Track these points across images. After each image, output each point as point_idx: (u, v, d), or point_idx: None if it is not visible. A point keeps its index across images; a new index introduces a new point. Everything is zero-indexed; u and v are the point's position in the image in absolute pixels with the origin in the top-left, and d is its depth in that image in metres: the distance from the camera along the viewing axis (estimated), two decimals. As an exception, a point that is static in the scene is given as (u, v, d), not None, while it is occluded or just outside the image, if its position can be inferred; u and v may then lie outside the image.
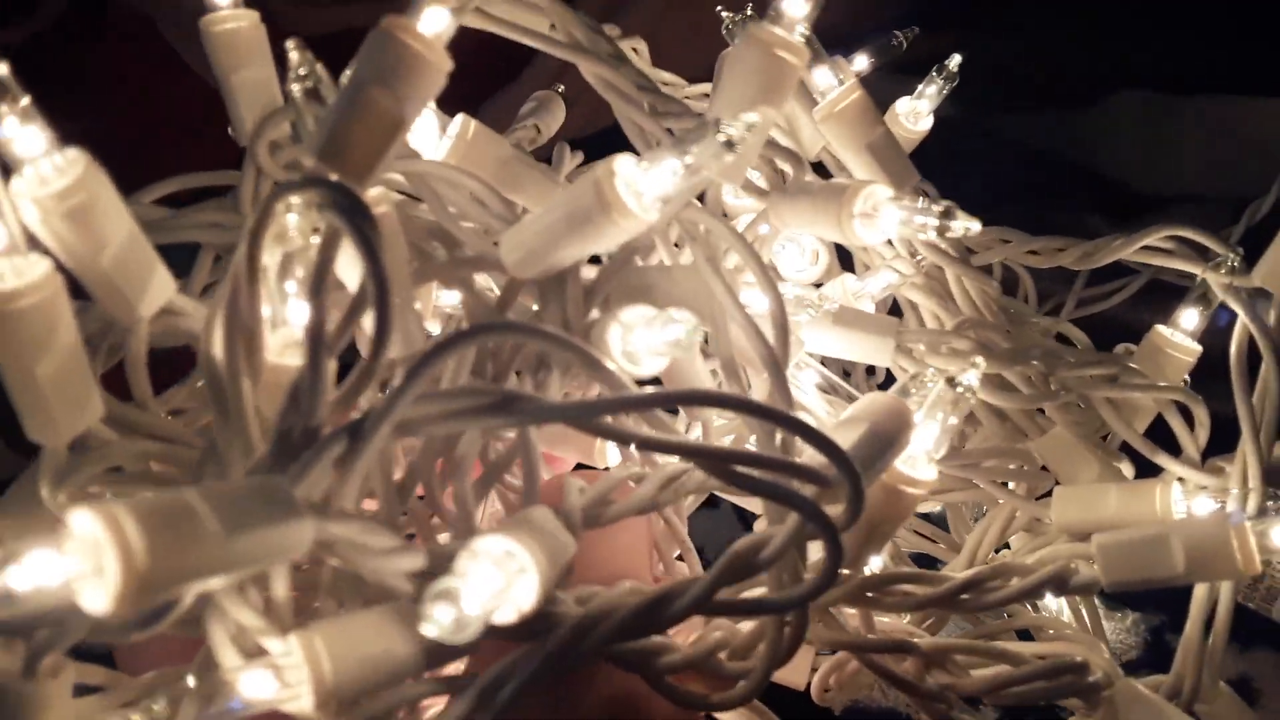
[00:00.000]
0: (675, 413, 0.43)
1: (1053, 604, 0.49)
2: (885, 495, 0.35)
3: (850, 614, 0.41)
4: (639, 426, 0.33)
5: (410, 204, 0.37)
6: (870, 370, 0.54)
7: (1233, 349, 0.44)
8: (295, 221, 0.30)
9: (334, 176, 0.29)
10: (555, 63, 0.75)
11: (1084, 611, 0.47)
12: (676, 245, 0.38)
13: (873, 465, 0.32)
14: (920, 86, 0.49)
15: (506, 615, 0.25)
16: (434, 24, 0.31)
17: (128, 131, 0.82)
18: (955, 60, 0.49)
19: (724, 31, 0.46)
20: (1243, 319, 0.43)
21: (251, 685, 0.26)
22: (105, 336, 0.36)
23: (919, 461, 0.35)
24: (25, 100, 0.29)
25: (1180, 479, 0.42)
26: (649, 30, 0.73)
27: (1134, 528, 0.35)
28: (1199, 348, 0.47)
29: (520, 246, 0.32)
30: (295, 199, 0.30)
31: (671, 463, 0.34)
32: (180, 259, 0.36)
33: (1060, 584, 0.35)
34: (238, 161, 0.39)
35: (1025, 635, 0.44)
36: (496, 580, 0.25)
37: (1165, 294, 0.53)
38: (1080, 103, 0.77)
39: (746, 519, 0.60)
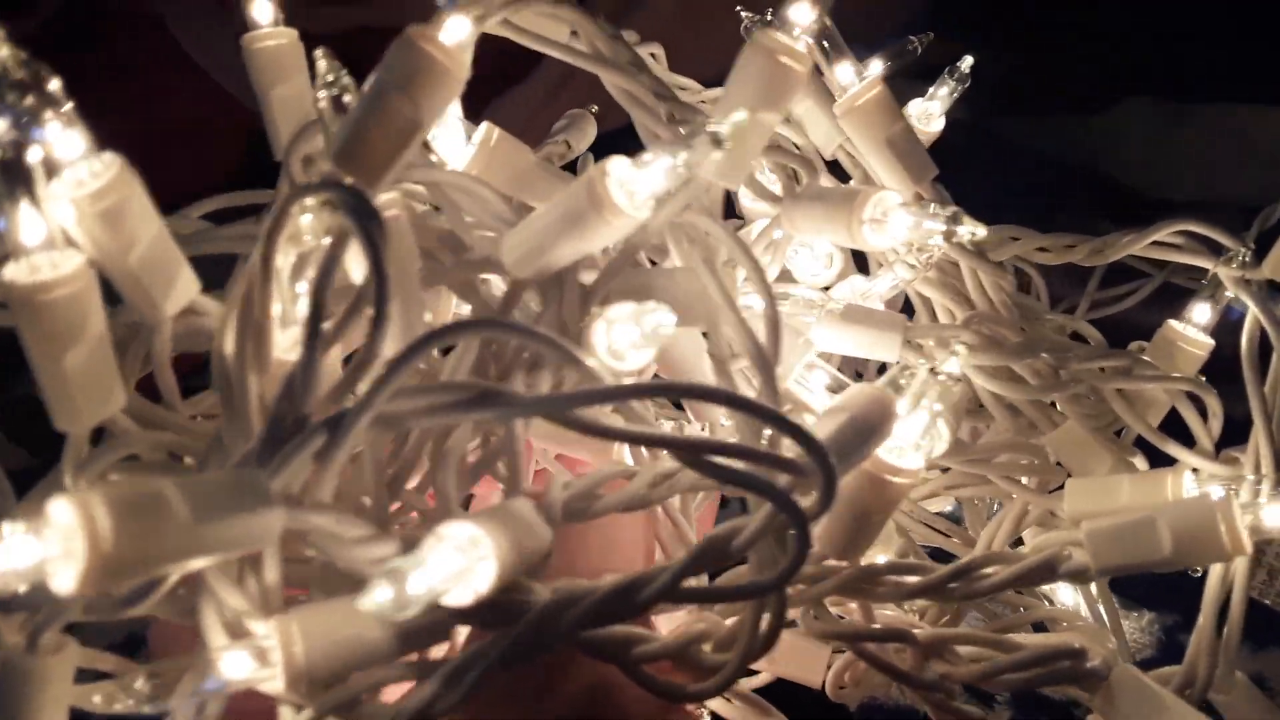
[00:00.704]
0: (680, 408, 0.44)
1: (1069, 599, 0.49)
2: (870, 485, 0.35)
3: (851, 608, 0.41)
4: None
5: (429, 213, 0.38)
6: (882, 369, 0.54)
7: (1244, 340, 0.44)
8: (309, 222, 0.32)
9: (348, 179, 0.31)
10: (564, 64, 0.76)
11: (1102, 609, 0.47)
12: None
13: (851, 455, 0.32)
14: (932, 88, 0.49)
15: (462, 598, 0.26)
16: (455, 33, 0.32)
17: (132, 128, 0.84)
18: (967, 62, 0.49)
19: (743, 32, 0.46)
20: (1254, 311, 0.43)
21: (231, 665, 0.27)
22: (134, 338, 0.37)
23: (905, 451, 0.35)
24: (68, 106, 0.31)
25: (1194, 469, 0.41)
26: (658, 34, 0.76)
27: (1123, 513, 0.35)
28: (1211, 341, 0.47)
29: (518, 246, 0.33)
30: (310, 200, 0.31)
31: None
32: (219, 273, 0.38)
33: (1049, 570, 0.35)
34: (245, 161, 0.40)
35: (1042, 629, 0.44)
36: (455, 563, 0.25)
37: (1178, 296, 0.53)
38: (1089, 109, 0.77)
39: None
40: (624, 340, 0.31)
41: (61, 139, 0.30)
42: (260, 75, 0.42)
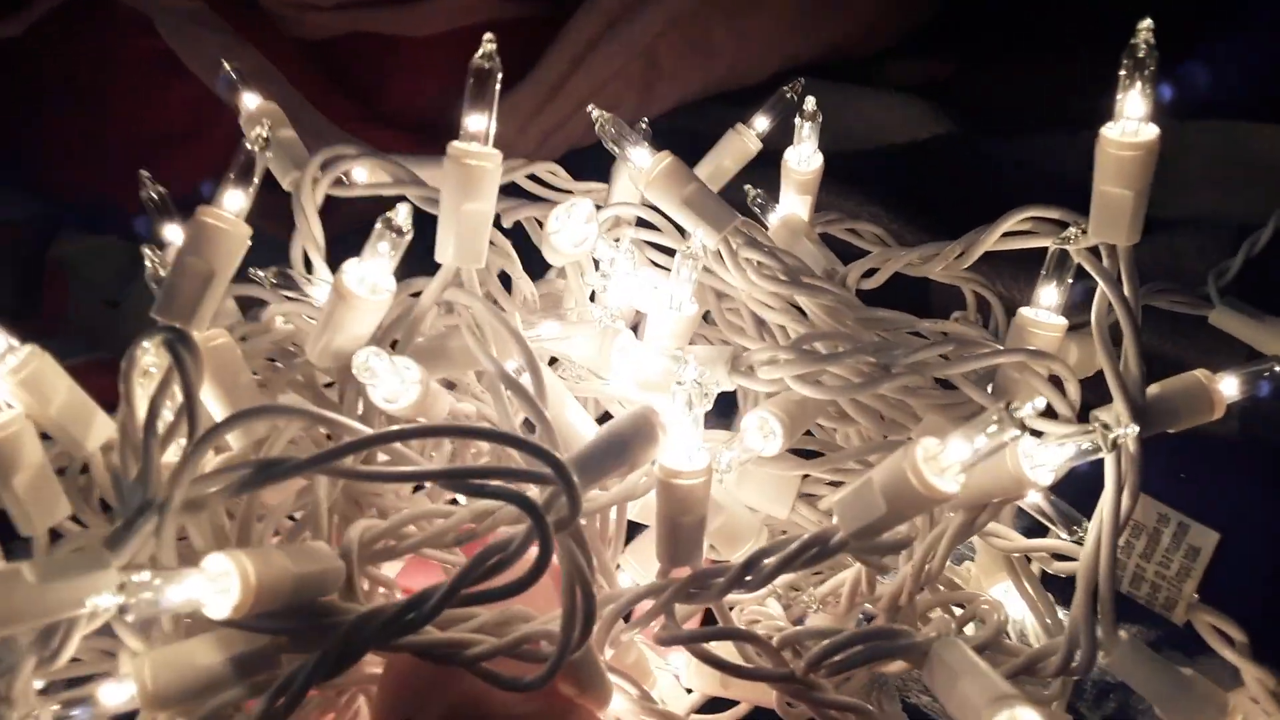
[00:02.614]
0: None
1: (1016, 613, 0.49)
2: (663, 491, 0.39)
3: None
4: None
5: (257, 335, 0.47)
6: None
7: (1094, 305, 0.45)
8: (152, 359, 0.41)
9: (165, 322, 0.40)
10: (557, 71, 0.81)
11: (1043, 610, 0.48)
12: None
13: (603, 462, 0.37)
14: (796, 133, 0.55)
15: (221, 610, 0.33)
16: (233, 205, 0.41)
17: (122, 129, 0.86)
18: (811, 102, 0.54)
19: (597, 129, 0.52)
20: (1095, 276, 0.44)
21: (107, 694, 0.36)
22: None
23: (693, 456, 0.39)
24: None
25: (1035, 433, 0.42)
26: (649, 47, 0.81)
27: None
28: (1064, 321, 0.47)
29: (314, 347, 0.41)
30: (146, 343, 0.41)
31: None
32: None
33: (821, 546, 0.38)
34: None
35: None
36: (202, 585, 0.33)
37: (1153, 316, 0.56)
38: (1082, 125, 0.77)
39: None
40: (388, 388, 0.38)
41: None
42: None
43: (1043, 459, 0.40)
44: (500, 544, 0.36)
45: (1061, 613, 0.47)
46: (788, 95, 0.57)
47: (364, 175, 0.51)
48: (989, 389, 0.47)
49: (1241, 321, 0.56)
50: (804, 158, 0.55)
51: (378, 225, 0.40)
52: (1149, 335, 0.60)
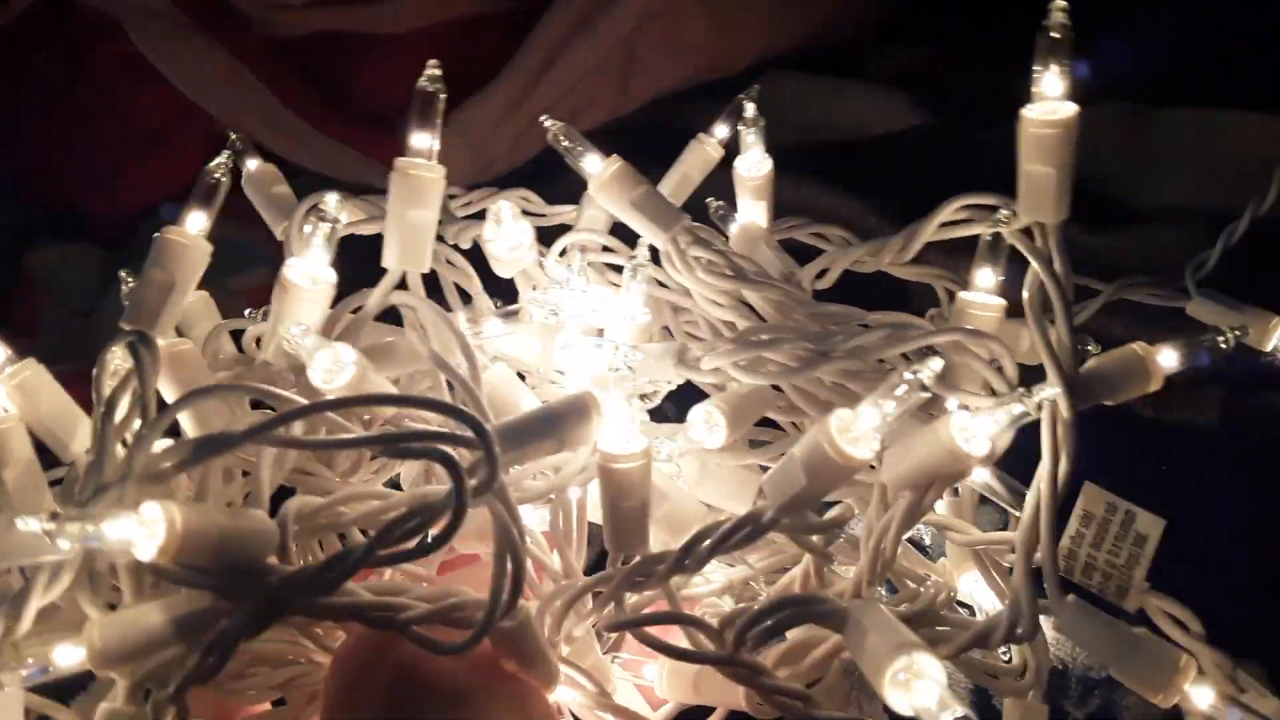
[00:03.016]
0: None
1: (987, 603, 0.49)
2: (602, 475, 0.41)
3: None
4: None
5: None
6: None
7: (1026, 286, 0.45)
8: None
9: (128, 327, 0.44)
10: (527, 74, 0.79)
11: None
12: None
13: (524, 436, 0.39)
14: (742, 141, 0.57)
15: (147, 553, 0.35)
16: (195, 225, 0.46)
17: (95, 134, 0.87)
18: (751, 108, 0.56)
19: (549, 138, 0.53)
20: (1027, 255, 0.45)
21: (61, 655, 0.39)
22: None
23: (630, 439, 0.41)
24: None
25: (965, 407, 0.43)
26: (625, 41, 0.80)
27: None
28: (1002, 301, 0.48)
29: (265, 349, 0.45)
30: (116, 349, 0.44)
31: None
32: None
33: (753, 525, 0.39)
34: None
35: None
36: (131, 527, 0.35)
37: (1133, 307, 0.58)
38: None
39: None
40: (322, 364, 0.41)
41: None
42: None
43: (975, 430, 0.41)
44: (422, 505, 0.38)
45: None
46: (743, 101, 0.58)
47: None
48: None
49: (1219, 312, 0.56)
50: (753, 164, 0.57)
51: (308, 224, 0.44)
52: (1123, 327, 0.61)
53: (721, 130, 0.59)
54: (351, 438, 0.41)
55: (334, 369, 0.41)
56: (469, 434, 0.37)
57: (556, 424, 0.40)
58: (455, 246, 0.53)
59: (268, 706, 0.47)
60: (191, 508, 0.36)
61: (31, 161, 0.91)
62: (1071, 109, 0.43)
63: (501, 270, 0.52)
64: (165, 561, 0.35)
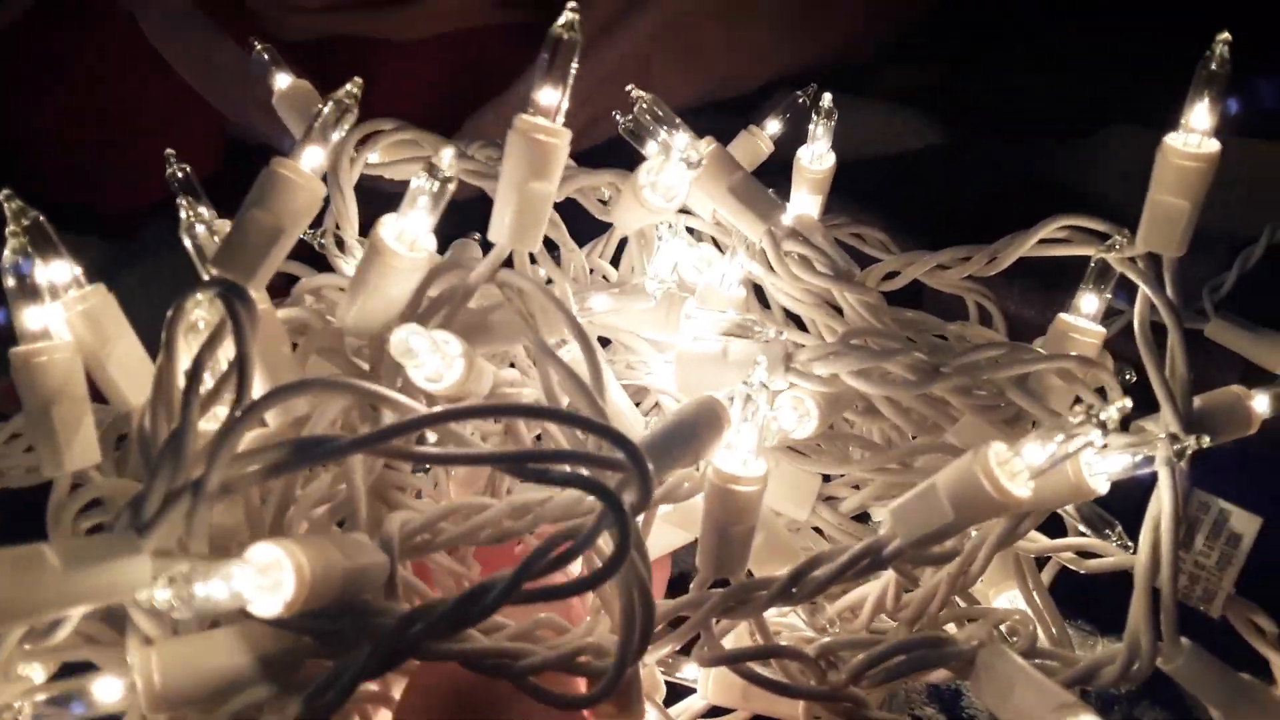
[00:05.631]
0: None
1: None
2: (718, 496, 0.37)
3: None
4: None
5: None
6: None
7: (1135, 316, 0.44)
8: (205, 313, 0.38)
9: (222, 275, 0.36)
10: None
11: (1049, 619, 0.46)
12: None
13: (672, 450, 0.35)
14: (810, 131, 0.53)
15: (271, 608, 0.29)
16: (311, 161, 0.39)
17: (106, 127, 0.85)
18: (827, 98, 0.52)
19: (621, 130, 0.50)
20: (1141, 288, 0.44)
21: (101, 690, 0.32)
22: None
23: (749, 462, 0.37)
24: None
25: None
26: (642, 53, 0.79)
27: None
28: (1102, 329, 0.47)
29: (347, 312, 0.38)
30: (200, 295, 0.36)
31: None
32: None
33: (874, 556, 0.36)
34: (212, 159, 0.45)
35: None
36: (254, 579, 0.28)
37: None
38: (1074, 133, 0.77)
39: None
40: (431, 368, 0.34)
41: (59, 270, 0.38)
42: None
43: (1101, 468, 0.39)
44: (569, 531, 0.33)
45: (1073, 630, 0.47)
46: (799, 99, 0.56)
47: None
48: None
49: (1237, 335, 0.57)
50: (817, 155, 0.54)
51: (417, 178, 0.37)
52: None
53: (773, 125, 0.56)
54: (478, 454, 0.35)
55: (443, 368, 0.34)
56: (617, 455, 0.32)
57: (696, 437, 0.36)
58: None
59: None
60: (310, 547, 0.30)
61: (37, 155, 0.86)
62: (1215, 145, 0.42)
63: (626, 221, 0.47)
64: (288, 616, 0.29)
